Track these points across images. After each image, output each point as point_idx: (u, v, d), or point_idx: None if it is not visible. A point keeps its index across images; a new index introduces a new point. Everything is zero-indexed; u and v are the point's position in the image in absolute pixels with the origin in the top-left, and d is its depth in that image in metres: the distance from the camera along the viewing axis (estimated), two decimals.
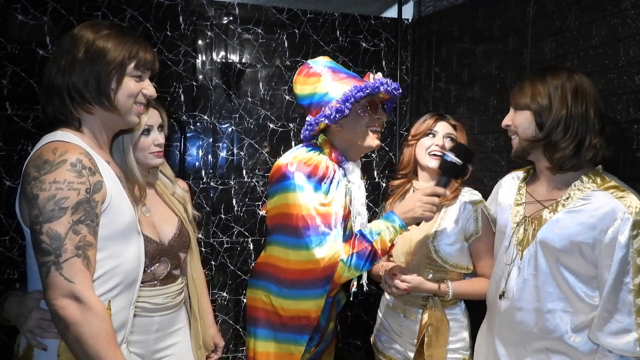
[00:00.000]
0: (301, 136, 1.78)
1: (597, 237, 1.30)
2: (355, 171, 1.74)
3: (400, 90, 1.73)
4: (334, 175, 1.66)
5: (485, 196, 1.80)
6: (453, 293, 1.72)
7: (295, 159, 1.64)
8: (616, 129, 1.52)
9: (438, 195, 1.59)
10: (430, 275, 1.77)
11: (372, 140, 1.69)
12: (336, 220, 1.60)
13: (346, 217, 1.66)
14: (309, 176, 1.62)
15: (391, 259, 1.91)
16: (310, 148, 1.71)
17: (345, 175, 1.72)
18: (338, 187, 1.66)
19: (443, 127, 1.85)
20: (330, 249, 1.56)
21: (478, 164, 2.28)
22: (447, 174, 1.61)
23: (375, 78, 1.67)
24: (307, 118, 1.71)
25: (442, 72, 2.64)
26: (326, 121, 1.63)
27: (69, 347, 1.11)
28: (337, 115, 1.61)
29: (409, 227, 1.61)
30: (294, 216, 1.59)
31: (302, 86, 1.71)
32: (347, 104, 1.59)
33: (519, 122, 1.46)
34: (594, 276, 1.33)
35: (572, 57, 1.71)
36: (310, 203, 1.59)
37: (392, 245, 1.60)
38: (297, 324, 1.63)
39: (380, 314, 1.97)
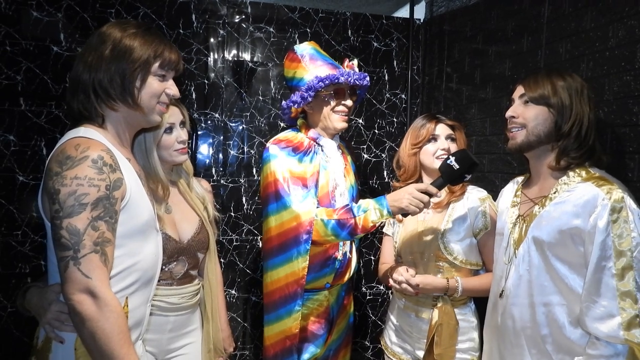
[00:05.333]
0: (284, 119, 1.98)
1: (580, 225, 1.31)
2: (331, 146, 1.91)
3: (367, 80, 1.88)
4: (309, 149, 1.86)
5: (495, 197, 1.80)
6: (462, 289, 1.72)
7: (274, 140, 1.87)
8: (632, 131, 1.51)
9: (429, 194, 1.63)
10: (440, 272, 1.78)
11: (337, 123, 1.87)
12: (310, 183, 1.79)
13: (316, 184, 1.83)
14: (283, 146, 1.83)
15: (400, 258, 1.91)
16: (290, 130, 1.94)
17: (323, 151, 1.89)
18: (313, 159, 1.85)
19: (443, 130, 1.85)
20: (307, 205, 1.74)
21: (489, 165, 2.28)
22: (444, 176, 1.63)
23: (350, 65, 1.87)
24: (282, 102, 1.91)
25: (453, 73, 2.63)
26: (295, 106, 1.83)
27: (83, 343, 1.11)
28: (302, 101, 1.82)
29: (395, 216, 1.70)
30: (272, 182, 1.79)
31: (287, 69, 1.91)
32: (310, 92, 1.79)
33: (531, 116, 1.45)
34: (585, 265, 1.33)
35: (587, 59, 1.70)
36: (285, 166, 1.79)
37: (374, 226, 1.70)
38: (286, 293, 1.77)
39: (390, 315, 1.97)
